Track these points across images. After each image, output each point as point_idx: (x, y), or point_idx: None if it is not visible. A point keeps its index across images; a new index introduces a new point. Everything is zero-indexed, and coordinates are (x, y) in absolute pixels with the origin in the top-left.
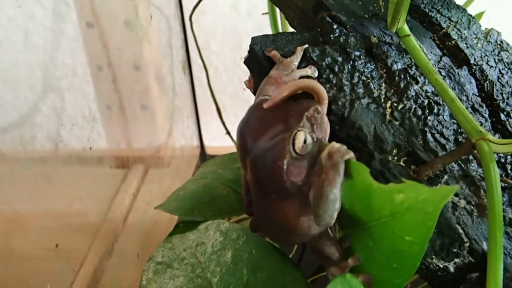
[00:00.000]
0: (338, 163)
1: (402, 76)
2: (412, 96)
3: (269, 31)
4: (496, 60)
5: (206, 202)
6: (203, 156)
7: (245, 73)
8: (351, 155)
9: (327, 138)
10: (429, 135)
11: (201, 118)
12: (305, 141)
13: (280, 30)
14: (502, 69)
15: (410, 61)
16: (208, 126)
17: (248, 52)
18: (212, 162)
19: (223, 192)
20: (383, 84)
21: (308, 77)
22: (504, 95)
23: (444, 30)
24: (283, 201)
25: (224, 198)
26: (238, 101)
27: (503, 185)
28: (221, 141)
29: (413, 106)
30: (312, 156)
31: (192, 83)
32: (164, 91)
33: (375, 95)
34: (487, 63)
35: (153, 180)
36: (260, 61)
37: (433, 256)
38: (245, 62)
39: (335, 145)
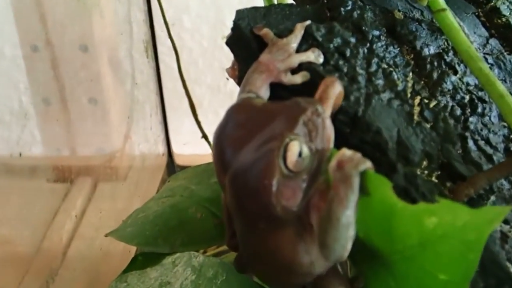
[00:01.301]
0: (351, 175)
1: (436, 63)
2: (449, 90)
3: (260, 3)
4: None
5: (174, 228)
6: (171, 166)
7: (229, 58)
8: (367, 164)
9: (330, 149)
10: (470, 142)
11: (169, 116)
12: (300, 154)
13: (275, 2)
14: None
15: (446, 44)
16: (178, 127)
17: (232, 29)
18: (182, 175)
19: (196, 215)
20: (410, 74)
21: (310, 63)
22: None
23: (491, 4)
24: (274, 232)
25: (198, 223)
26: (219, 94)
27: None
28: (195, 147)
29: (450, 104)
30: (309, 173)
31: (157, 70)
32: (120, 79)
33: (399, 88)
34: None
35: (103, 198)
36: (247, 41)
37: None
38: (227, 43)
39: (346, 152)
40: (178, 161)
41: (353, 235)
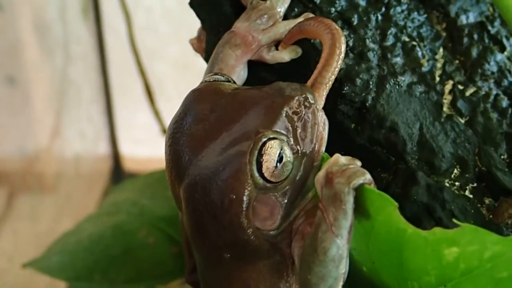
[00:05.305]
0: (342, 193)
1: (476, 36)
2: (492, 73)
3: None
4: None
5: (116, 258)
6: (118, 173)
7: (198, 24)
8: (365, 177)
9: (322, 151)
10: None
11: (116, 103)
12: (280, 159)
13: None
14: None
15: (491, 10)
16: (129, 118)
17: None
18: (131, 185)
19: (148, 240)
20: (441, 50)
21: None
22: None
23: None
24: (243, 265)
25: (149, 251)
26: (187, 73)
27: None
28: (152, 146)
29: (494, 92)
30: (293, 185)
31: (100, 39)
32: (48, 51)
33: (424, 69)
34: None
35: (21, 215)
36: (218, 3)
37: None
38: (191, 4)
39: (339, 160)
40: (128, 165)
41: (344, 273)
